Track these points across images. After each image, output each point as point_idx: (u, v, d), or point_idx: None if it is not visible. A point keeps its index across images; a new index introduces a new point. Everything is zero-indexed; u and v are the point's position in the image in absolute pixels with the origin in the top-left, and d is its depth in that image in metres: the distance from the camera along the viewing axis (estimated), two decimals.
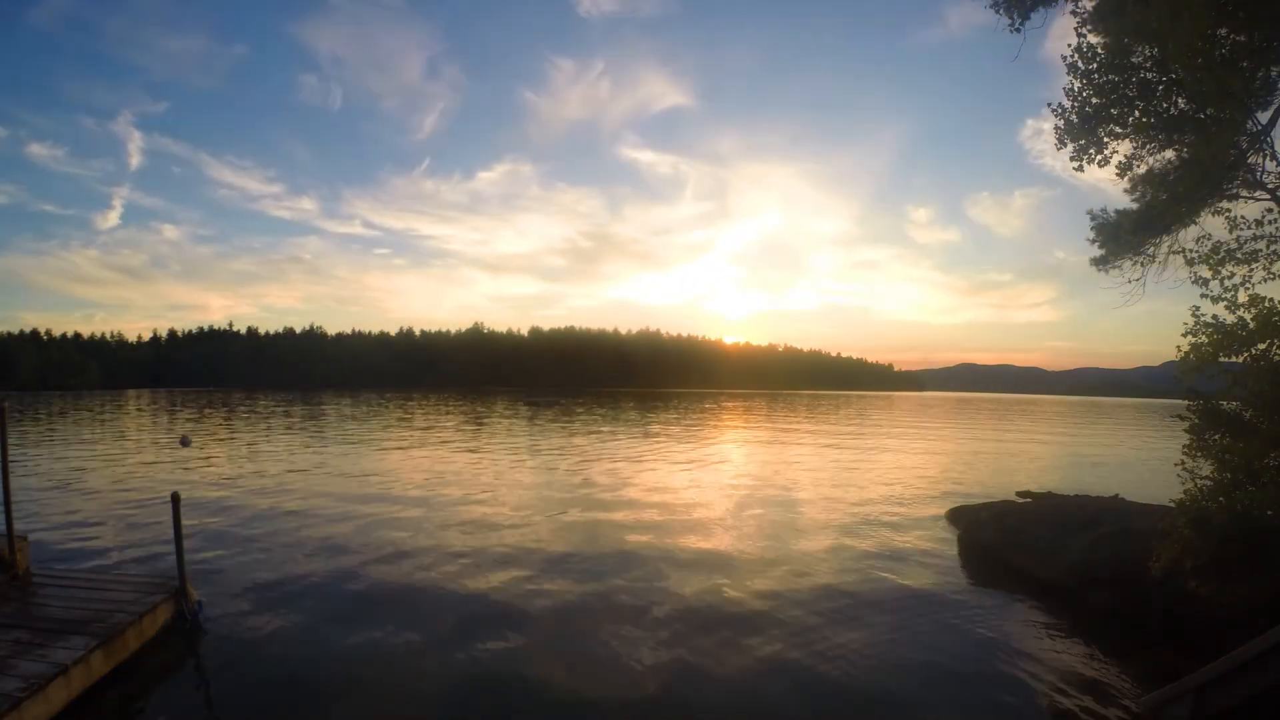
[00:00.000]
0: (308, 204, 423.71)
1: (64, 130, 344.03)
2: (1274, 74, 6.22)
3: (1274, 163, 6.43)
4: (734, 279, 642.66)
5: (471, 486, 16.39)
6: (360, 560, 9.79)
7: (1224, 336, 6.02)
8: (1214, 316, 6.10)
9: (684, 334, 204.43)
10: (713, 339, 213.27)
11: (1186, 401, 6.47)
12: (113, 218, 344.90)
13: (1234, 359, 6.13)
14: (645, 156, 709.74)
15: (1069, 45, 6.86)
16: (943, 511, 13.87)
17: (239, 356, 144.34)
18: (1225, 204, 6.66)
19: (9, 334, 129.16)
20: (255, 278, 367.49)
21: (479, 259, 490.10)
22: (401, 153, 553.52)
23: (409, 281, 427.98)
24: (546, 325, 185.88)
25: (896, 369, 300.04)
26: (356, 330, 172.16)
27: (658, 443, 28.60)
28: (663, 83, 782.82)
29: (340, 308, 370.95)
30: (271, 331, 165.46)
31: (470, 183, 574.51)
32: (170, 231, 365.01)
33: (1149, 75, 6.64)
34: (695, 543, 11.19)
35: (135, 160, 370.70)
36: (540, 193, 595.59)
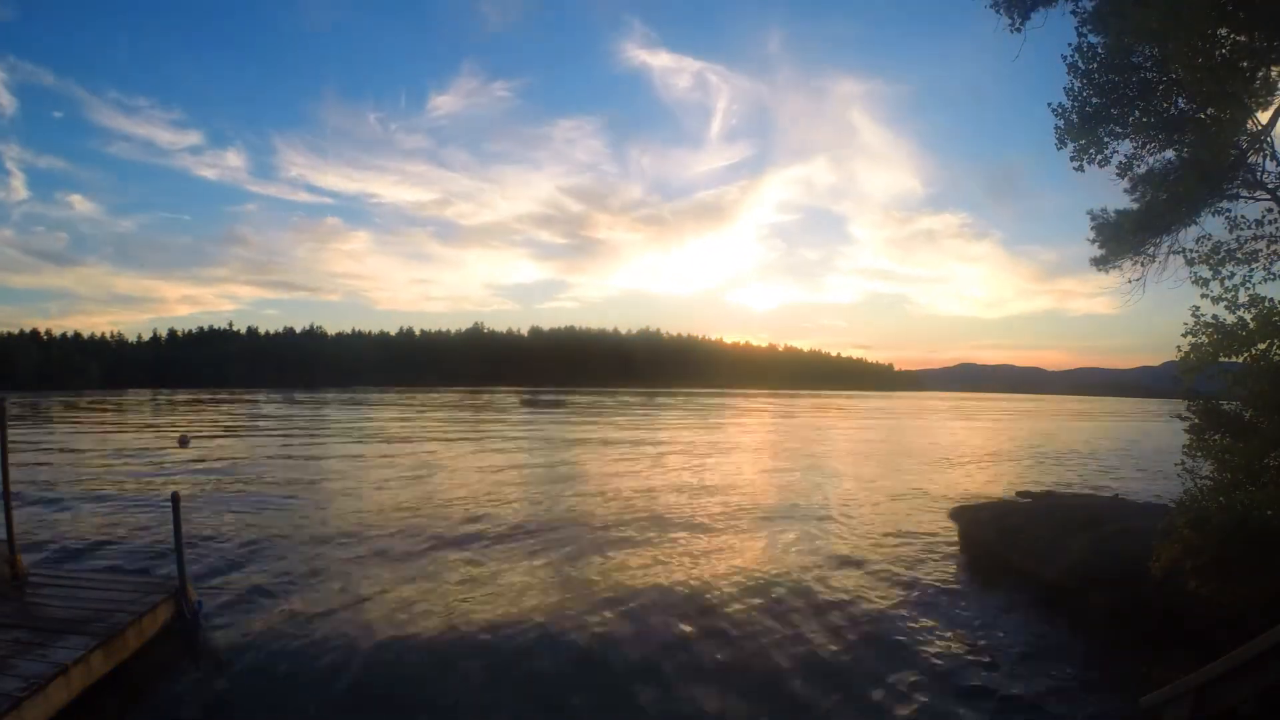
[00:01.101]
0: (235, 159, 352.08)
1: None
2: (1274, 74, 6.22)
3: (1274, 163, 6.44)
4: (764, 260, 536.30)
5: (449, 481, 16.39)
6: (361, 560, 9.79)
7: (1224, 336, 6.02)
8: (1214, 316, 6.10)
9: (684, 333, 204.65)
10: (713, 338, 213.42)
11: (1187, 401, 6.48)
12: (19, 188, 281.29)
13: (1234, 359, 6.14)
14: (659, 60, 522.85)
15: (1069, 45, 6.86)
16: (943, 511, 13.87)
17: (239, 356, 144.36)
18: (1225, 204, 6.66)
19: (9, 334, 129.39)
20: (197, 260, 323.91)
21: (452, 231, 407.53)
22: (339, 77, 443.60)
23: (377, 265, 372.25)
24: (546, 325, 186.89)
25: (896, 369, 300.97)
26: (356, 330, 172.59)
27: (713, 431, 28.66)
28: None
29: (315, 300, 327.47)
30: (272, 331, 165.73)
31: (423, 115, 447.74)
32: (82, 203, 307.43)
33: (1149, 75, 6.65)
34: (686, 538, 11.20)
35: (6, 102, 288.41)
36: (518, 126, 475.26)
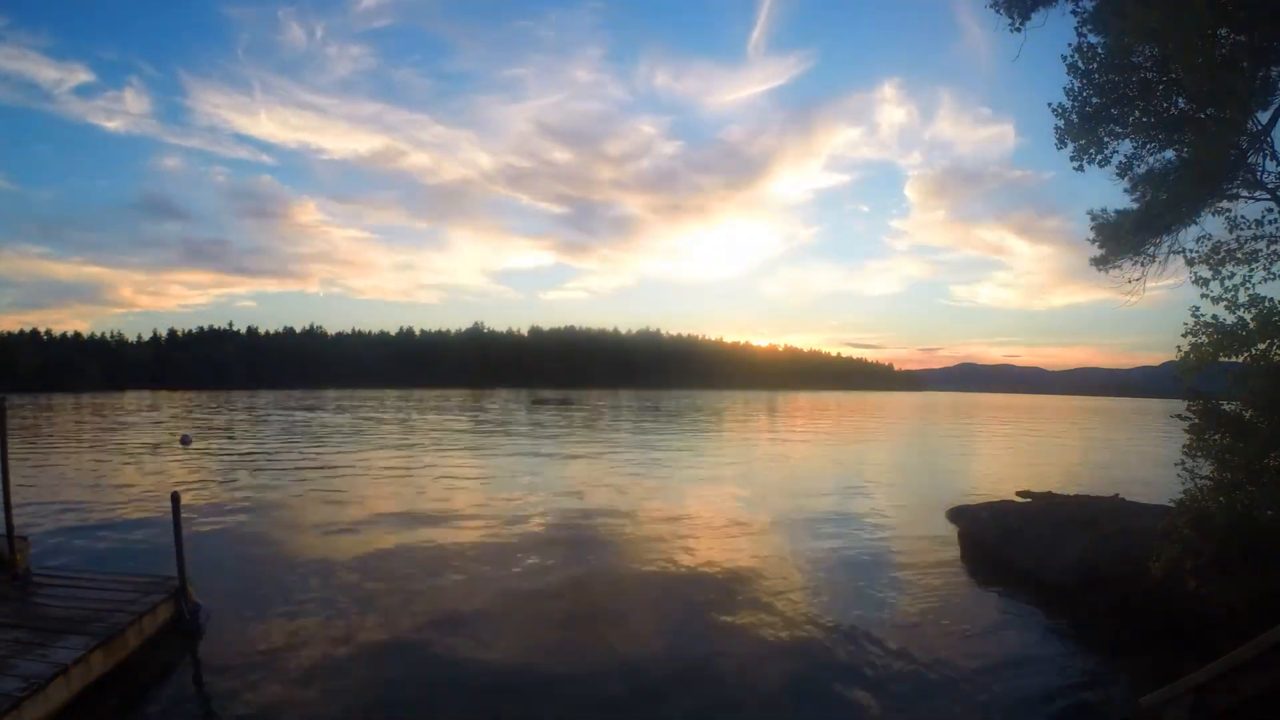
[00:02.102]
0: (137, 103, 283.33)
1: None
2: (1274, 74, 6.22)
3: (1274, 162, 6.43)
4: (800, 241, 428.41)
5: (452, 492, 16.38)
6: (362, 559, 9.79)
7: (1224, 336, 6.02)
8: (1214, 316, 6.11)
9: (685, 333, 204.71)
10: (713, 338, 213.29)
11: (1187, 402, 6.47)
12: None
13: (1234, 359, 6.13)
14: None
15: (1069, 45, 6.86)
16: (943, 510, 13.85)
17: (239, 356, 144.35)
18: (1225, 204, 6.66)
19: (9, 333, 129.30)
20: (134, 243, 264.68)
21: (417, 196, 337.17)
22: None
23: (345, 246, 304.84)
24: (546, 324, 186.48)
25: (896, 368, 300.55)
26: (356, 330, 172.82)
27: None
28: None
29: (287, 292, 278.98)
30: (272, 331, 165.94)
31: (357, 10, 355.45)
32: None
33: (1149, 75, 6.64)
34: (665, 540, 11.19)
35: None
36: (486, 28, 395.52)
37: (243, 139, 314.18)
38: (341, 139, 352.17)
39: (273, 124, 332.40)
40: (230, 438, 28.51)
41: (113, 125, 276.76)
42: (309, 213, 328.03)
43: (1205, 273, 6.29)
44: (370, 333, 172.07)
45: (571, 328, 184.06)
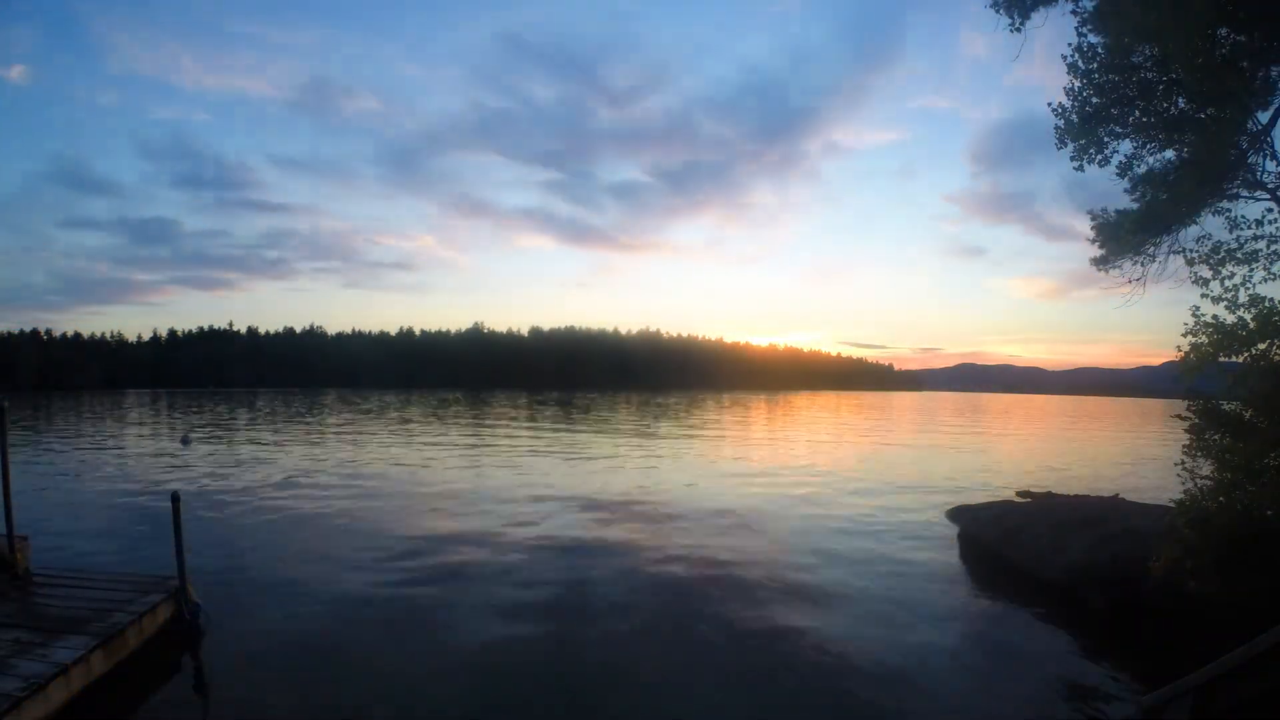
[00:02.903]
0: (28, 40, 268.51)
1: None
2: (1274, 73, 6.22)
3: (1274, 162, 6.42)
4: (833, 220, 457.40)
5: (442, 489, 16.39)
6: (362, 559, 9.79)
7: (1224, 336, 6.02)
8: (1214, 316, 6.11)
9: (684, 333, 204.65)
10: (713, 338, 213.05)
11: (1187, 401, 6.48)
12: None
13: (1234, 359, 6.14)
14: None
15: (1069, 45, 6.85)
16: (943, 510, 13.86)
17: (239, 356, 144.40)
18: (1225, 204, 6.65)
19: (9, 333, 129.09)
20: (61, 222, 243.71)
21: (352, 164, 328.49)
22: None
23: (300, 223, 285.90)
24: (546, 325, 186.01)
25: (897, 368, 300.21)
26: (356, 329, 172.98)
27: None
28: None
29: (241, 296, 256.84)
30: (272, 331, 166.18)
31: None
32: None
33: (1149, 75, 6.64)
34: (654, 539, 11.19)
35: None
36: None
37: (155, 86, 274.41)
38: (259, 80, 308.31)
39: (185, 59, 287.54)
40: (230, 437, 28.50)
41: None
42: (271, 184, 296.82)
43: (1205, 272, 6.29)
44: (370, 332, 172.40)
45: (572, 328, 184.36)
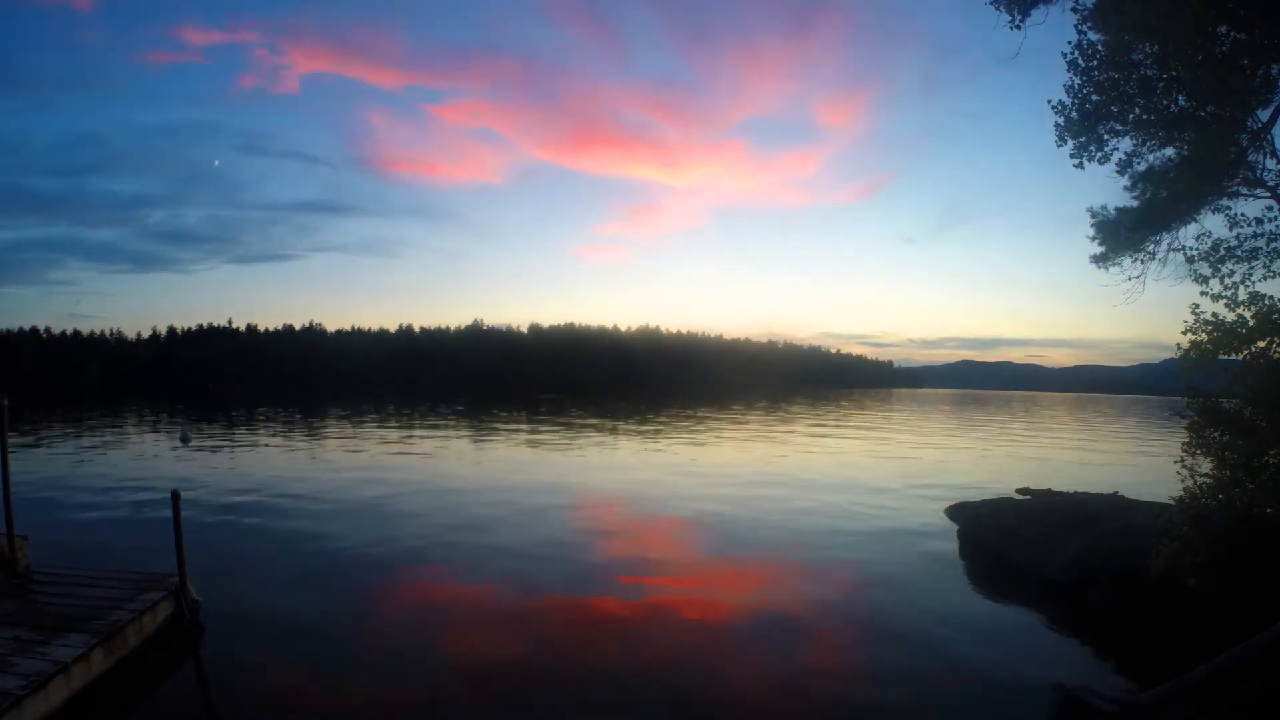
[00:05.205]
0: None
1: None
2: (1274, 71, 6.20)
3: (1274, 160, 6.41)
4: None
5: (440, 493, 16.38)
6: (362, 559, 9.80)
7: (1224, 334, 6.02)
8: (1214, 314, 6.10)
9: (685, 330, 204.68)
10: (713, 335, 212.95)
11: (1186, 399, 6.47)
12: None
13: (1233, 356, 6.14)
14: None
15: (1069, 42, 6.84)
16: (942, 507, 13.87)
17: (239, 354, 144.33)
18: (1225, 201, 6.64)
19: (9, 331, 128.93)
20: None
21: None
22: None
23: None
24: (545, 323, 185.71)
25: (895, 365, 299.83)
26: (355, 328, 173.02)
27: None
28: None
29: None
30: (271, 329, 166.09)
31: None
32: None
33: (1149, 72, 6.62)
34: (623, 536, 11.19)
35: None
36: None
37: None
38: None
39: None
40: (229, 435, 28.49)
41: None
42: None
43: (1205, 270, 6.29)
44: (369, 329, 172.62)
45: (571, 324, 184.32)
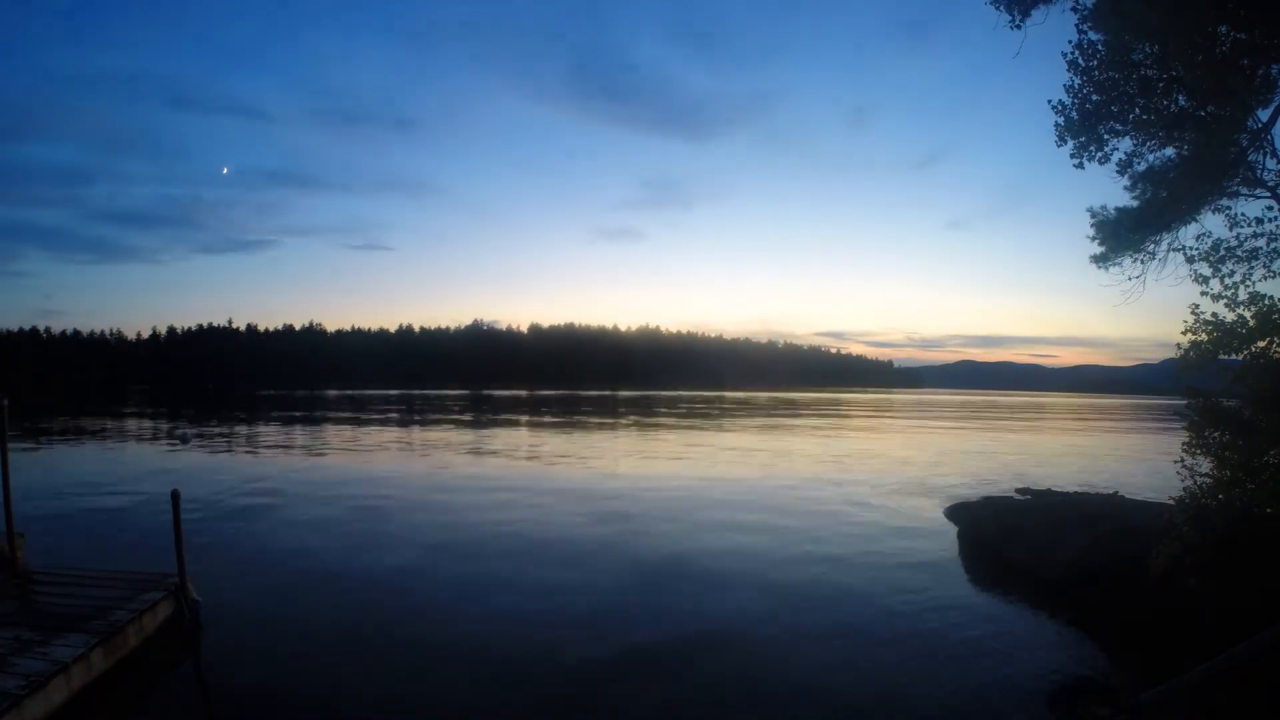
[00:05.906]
0: None
1: None
2: (1274, 71, 6.20)
3: (1274, 160, 6.42)
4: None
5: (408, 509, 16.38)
6: (361, 558, 9.80)
7: (1224, 334, 6.02)
8: (1214, 314, 6.10)
9: (684, 329, 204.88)
10: (712, 335, 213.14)
11: (1186, 399, 6.48)
12: None
13: (1233, 356, 6.14)
14: None
15: (1070, 42, 6.84)
16: (942, 507, 13.87)
17: (239, 354, 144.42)
18: (1225, 201, 6.65)
19: (8, 331, 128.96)
20: None
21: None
22: None
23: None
24: (546, 322, 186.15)
25: (895, 365, 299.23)
26: (355, 327, 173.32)
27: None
28: None
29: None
30: (271, 328, 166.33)
31: None
32: None
33: (1149, 73, 6.62)
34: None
35: None
36: None
37: None
38: None
39: None
40: (229, 435, 28.49)
41: None
42: None
43: (1205, 270, 6.29)
44: (370, 329, 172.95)
45: (571, 324, 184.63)
